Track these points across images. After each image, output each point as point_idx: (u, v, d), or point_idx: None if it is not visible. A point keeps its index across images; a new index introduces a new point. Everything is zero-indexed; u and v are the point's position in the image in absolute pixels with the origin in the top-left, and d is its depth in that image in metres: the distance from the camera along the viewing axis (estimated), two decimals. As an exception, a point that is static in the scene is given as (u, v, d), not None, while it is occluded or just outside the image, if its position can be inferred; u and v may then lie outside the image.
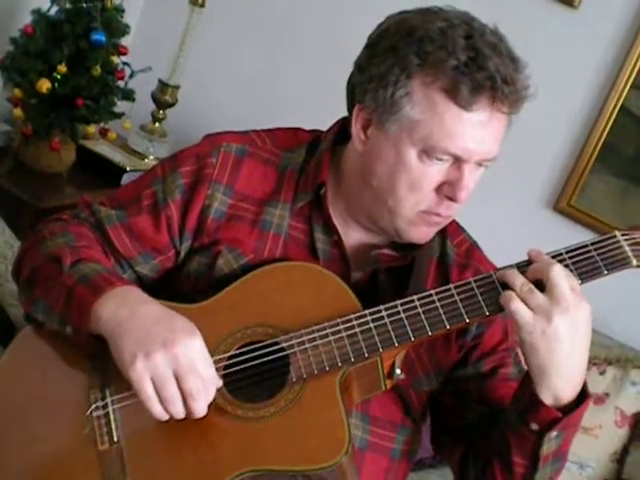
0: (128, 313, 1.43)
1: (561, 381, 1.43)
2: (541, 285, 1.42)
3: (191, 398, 1.40)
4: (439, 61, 1.45)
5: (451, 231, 1.69)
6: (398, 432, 1.64)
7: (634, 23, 2.98)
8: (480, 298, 1.47)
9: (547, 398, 1.44)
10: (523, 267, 1.46)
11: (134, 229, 1.63)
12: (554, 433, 1.46)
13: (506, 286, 1.45)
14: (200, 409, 1.41)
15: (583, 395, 1.46)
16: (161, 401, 1.40)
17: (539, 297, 1.41)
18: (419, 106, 1.48)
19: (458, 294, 1.48)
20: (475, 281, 1.48)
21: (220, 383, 1.45)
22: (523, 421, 1.47)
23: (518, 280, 1.44)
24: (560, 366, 1.42)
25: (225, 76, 3.63)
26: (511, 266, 1.48)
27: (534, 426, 1.46)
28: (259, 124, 1.81)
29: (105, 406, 1.49)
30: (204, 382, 1.40)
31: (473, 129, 1.47)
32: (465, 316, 1.47)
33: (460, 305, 1.47)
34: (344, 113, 1.65)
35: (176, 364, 1.39)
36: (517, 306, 1.41)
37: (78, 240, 1.59)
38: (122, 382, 1.45)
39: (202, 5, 3.29)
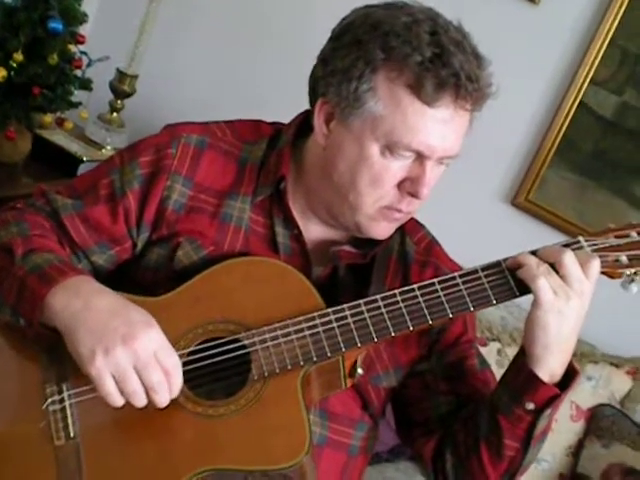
0: (81, 305, 1.41)
1: (559, 358, 1.47)
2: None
3: (153, 391, 1.38)
4: (404, 56, 1.45)
5: (410, 228, 1.69)
6: (356, 428, 1.64)
7: (594, 19, 3.00)
8: (444, 299, 1.48)
9: (545, 376, 1.47)
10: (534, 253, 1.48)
11: (90, 219, 1.61)
12: (548, 411, 1.49)
13: (471, 292, 1.48)
14: (163, 401, 1.40)
15: (570, 371, 1.50)
16: (123, 395, 1.38)
17: (557, 278, 1.43)
18: (383, 101, 1.47)
19: (422, 295, 1.48)
20: (439, 282, 1.49)
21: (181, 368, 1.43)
22: (518, 402, 1.49)
23: (532, 260, 1.45)
24: (563, 344, 1.46)
25: (184, 66, 3.61)
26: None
27: (530, 406, 1.48)
28: (218, 115, 1.79)
29: (62, 400, 1.47)
30: (166, 374, 1.39)
31: (436, 125, 1.47)
32: (428, 317, 1.47)
33: (423, 306, 1.48)
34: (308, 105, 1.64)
35: (136, 359, 1.37)
36: (544, 283, 1.43)
37: (32, 229, 1.57)
38: (79, 376, 1.43)
39: (161, -6, 3.26)
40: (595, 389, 2.92)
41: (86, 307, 1.41)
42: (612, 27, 2.96)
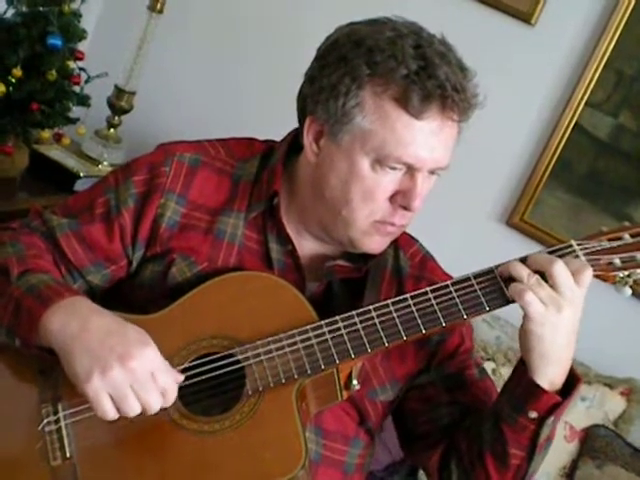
0: (78, 326, 1.41)
1: (558, 367, 1.47)
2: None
3: (149, 409, 1.39)
4: (389, 70, 1.46)
5: (403, 242, 1.70)
6: (351, 445, 1.64)
7: (590, 41, 3.01)
8: (436, 308, 1.48)
9: (545, 385, 1.48)
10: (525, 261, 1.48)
11: (87, 238, 1.61)
12: (551, 418, 1.49)
13: (464, 300, 1.48)
14: (154, 411, 1.40)
15: (572, 379, 1.50)
16: (119, 412, 1.38)
17: (548, 289, 1.43)
18: (370, 116, 1.49)
19: (414, 304, 1.48)
20: (432, 291, 1.49)
21: (181, 378, 1.44)
22: (520, 411, 1.50)
23: (524, 272, 1.45)
24: (560, 353, 1.46)
25: (182, 83, 3.62)
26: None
27: (533, 414, 1.49)
28: (216, 133, 1.80)
29: (57, 421, 1.47)
30: (163, 392, 1.39)
31: (425, 137, 1.48)
32: (422, 327, 1.48)
33: (416, 315, 1.48)
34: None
35: (133, 378, 1.37)
36: (532, 298, 1.42)
37: (28, 249, 1.57)
38: (74, 396, 1.43)
39: (160, 11, 3.27)
40: (589, 410, 2.91)
41: (82, 327, 1.41)
42: (608, 49, 2.97)
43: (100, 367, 1.36)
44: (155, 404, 1.38)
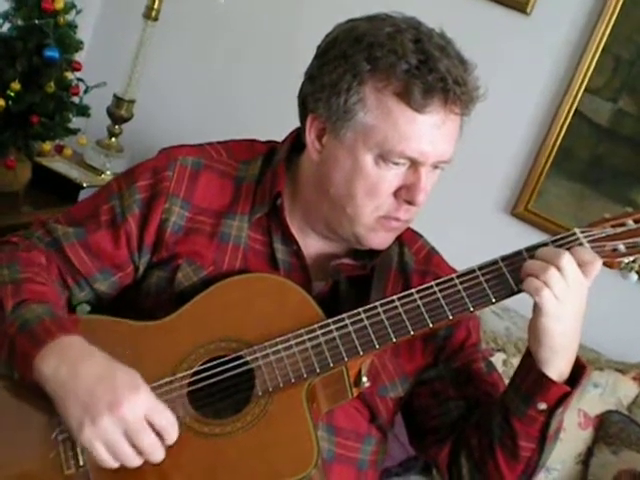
0: (68, 372, 1.39)
1: (566, 358, 1.48)
2: None
3: (146, 454, 1.38)
4: (390, 65, 1.47)
5: (408, 238, 1.70)
6: (364, 442, 1.64)
7: (586, 28, 3.01)
8: (443, 302, 1.48)
9: (554, 376, 1.48)
10: (530, 251, 1.48)
11: (93, 246, 1.61)
12: (560, 409, 1.50)
13: (470, 292, 1.48)
14: (157, 459, 1.39)
15: (577, 368, 1.50)
16: (116, 460, 1.38)
17: (562, 284, 1.43)
18: (373, 111, 1.49)
19: (420, 299, 1.49)
20: (437, 284, 1.49)
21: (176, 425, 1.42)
22: (530, 403, 1.50)
23: (537, 267, 1.45)
24: (569, 344, 1.47)
25: (180, 89, 3.63)
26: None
27: (542, 406, 1.49)
28: (216, 137, 1.80)
29: None
30: (162, 432, 1.38)
31: (428, 131, 1.49)
32: (428, 321, 1.48)
33: (423, 310, 1.48)
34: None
35: (125, 425, 1.36)
36: (547, 294, 1.42)
37: (25, 270, 1.54)
38: None
39: (156, 19, 3.28)
40: (602, 396, 2.90)
41: (72, 374, 1.39)
42: (605, 35, 2.97)
43: (90, 417, 1.35)
44: (150, 447, 1.37)
